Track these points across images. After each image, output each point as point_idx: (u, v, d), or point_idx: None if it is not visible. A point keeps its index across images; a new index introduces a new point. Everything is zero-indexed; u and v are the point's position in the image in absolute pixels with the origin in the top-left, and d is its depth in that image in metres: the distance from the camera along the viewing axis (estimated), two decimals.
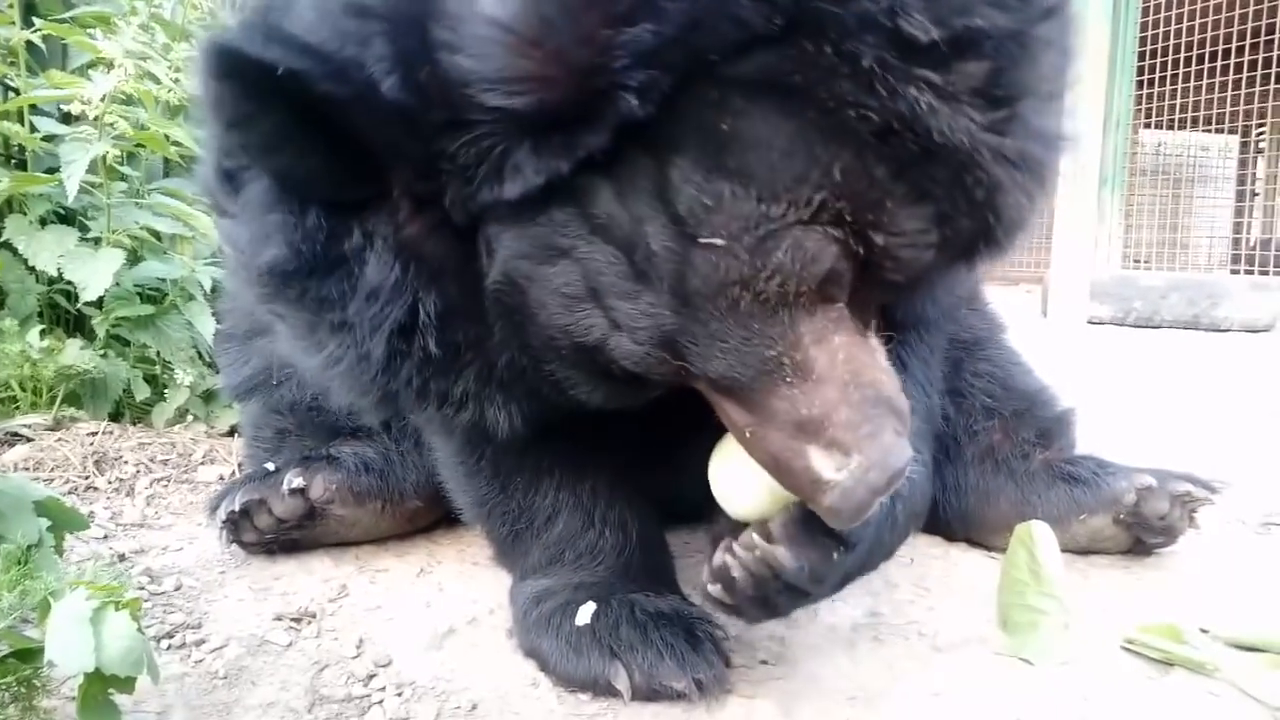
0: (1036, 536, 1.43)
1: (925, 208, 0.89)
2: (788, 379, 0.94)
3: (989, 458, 1.78)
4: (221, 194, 1.11)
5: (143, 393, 2.45)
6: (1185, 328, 6.46)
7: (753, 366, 0.94)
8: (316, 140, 0.93)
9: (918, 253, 0.92)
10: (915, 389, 1.42)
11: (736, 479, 1.13)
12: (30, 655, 1.05)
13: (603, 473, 1.40)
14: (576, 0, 0.82)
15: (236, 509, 1.62)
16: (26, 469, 2.04)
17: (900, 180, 0.88)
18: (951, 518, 1.82)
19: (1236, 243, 8.90)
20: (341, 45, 0.90)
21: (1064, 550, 1.49)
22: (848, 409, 0.93)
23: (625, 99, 0.84)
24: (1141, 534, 1.71)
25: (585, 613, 1.26)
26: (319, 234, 1.00)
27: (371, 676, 1.30)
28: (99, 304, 2.36)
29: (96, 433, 2.26)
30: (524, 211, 0.93)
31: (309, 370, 1.16)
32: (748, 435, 0.99)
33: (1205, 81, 8.09)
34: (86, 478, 2.05)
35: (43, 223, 2.39)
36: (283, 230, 1.01)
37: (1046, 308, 7.03)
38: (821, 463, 0.93)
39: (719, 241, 0.87)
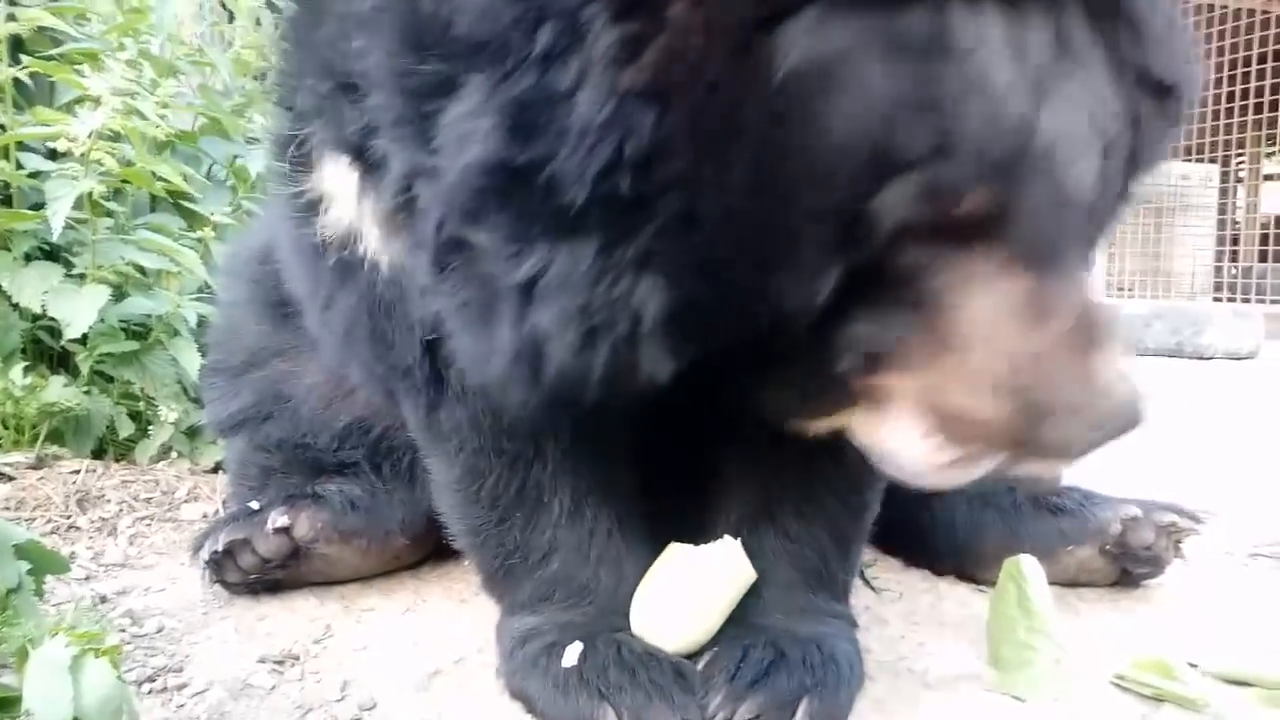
0: (1025, 571, 1.43)
1: None
2: None
3: (975, 491, 1.78)
4: (405, 131, 1.01)
5: (126, 429, 2.43)
6: (1169, 356, 6.51)
7: None
8: None
9: None
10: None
11: (666, 614, 1.29)
12: (8, 704, 1.03)
13: (604, 509, 1.39)
14: None
15: (220, 549, 1.60)
16: (8, 508, 2.01)
17: None
18: (939, 551, 1.82)
19: (1219, 271, 9.01)
20: None
21: (1052, 582, 1.48)
22: None
23: None
24: (1128, 565, 1.71)
25: (572, 653, 1.25)
26: (535, 71, 0.89)
27: None
28: (83, 340, 2.35)
29: (79, 471, 2.24)
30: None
31: (513, 318, 0.99)
32: None
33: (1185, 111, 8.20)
34: (68, 517, 2.02)
35: (27, 259, 2.38)
36: (490, 114, 0.92)
37: None
38: None
39: None
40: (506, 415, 1.23)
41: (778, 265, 0.92)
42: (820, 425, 1.15)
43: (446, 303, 1.08)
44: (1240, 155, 10.14)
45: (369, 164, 1.15)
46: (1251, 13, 8.14)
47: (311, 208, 1.32)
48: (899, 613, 1.67)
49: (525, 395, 1.06)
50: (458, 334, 1.10)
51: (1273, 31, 7.91)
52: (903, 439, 1.03)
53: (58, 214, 2.19)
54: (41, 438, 2.30)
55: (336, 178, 1.26)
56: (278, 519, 1.62)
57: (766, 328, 0.96)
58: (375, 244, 1.27)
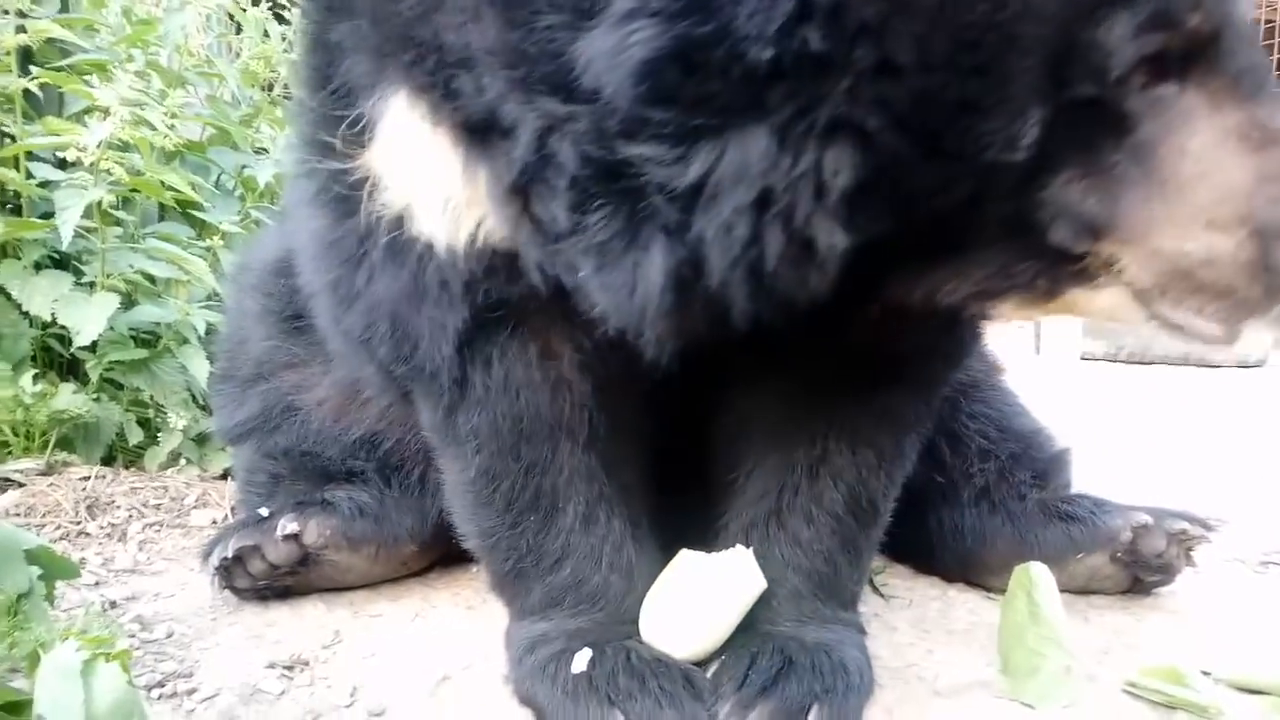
0: (1035, 578, 1.43)
1: None
2: None
3: (985, 499, 1.78)
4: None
5: (136, 436, 2.44)
6: (1177, 364, 6.48)
7: None
8: None
9: None
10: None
11: (676, 622, 1.29)
12: (19, 708, 1.03)
13: (617, 516, 1.38)
14: None
15: (230, 555, 1.60)
16: (18, 514, 2.02)
17: None
18: (949, 559, 1.81)
19: None
20: None
21: (1063, 590, 1.47)
22: None
23: None
24: (1139, 573, 1.70)
25: (581, 660, 1.25)
26: None
27: None
28: (92, 348, 2.36)
29: (89, 477, 2.24)
30: None
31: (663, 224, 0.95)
32: None
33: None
34: (78, 523, 2.03)
35: (37, 267, 2.39)
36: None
37: (1039, 344, 7.05)
38: None
39: None
40: (645, 356, 1.14)
41: (982, 110, 0.88)
42: (1023, 309, 1.08)
43: (583, 249, 1.02)
44: None
45: (496, 134, 1.06)
46: (1256, 20, 8.13)
47: (357, 188, 1.24)
48: (908, 620, 1.67)
49: (668, 327, 1.02)
50: (594, 277, 1.04)
51: (1276, 41, 7.90)
52: (1142, 308, 1.00)
53: (67, 223, 2.20)
54: (51, 444, 2.31)
55: (393, 156, 1.19)
56: (287, 526, 1.62)
57: (966, 189, 0.92)
58: (443, 223, 1.19)
